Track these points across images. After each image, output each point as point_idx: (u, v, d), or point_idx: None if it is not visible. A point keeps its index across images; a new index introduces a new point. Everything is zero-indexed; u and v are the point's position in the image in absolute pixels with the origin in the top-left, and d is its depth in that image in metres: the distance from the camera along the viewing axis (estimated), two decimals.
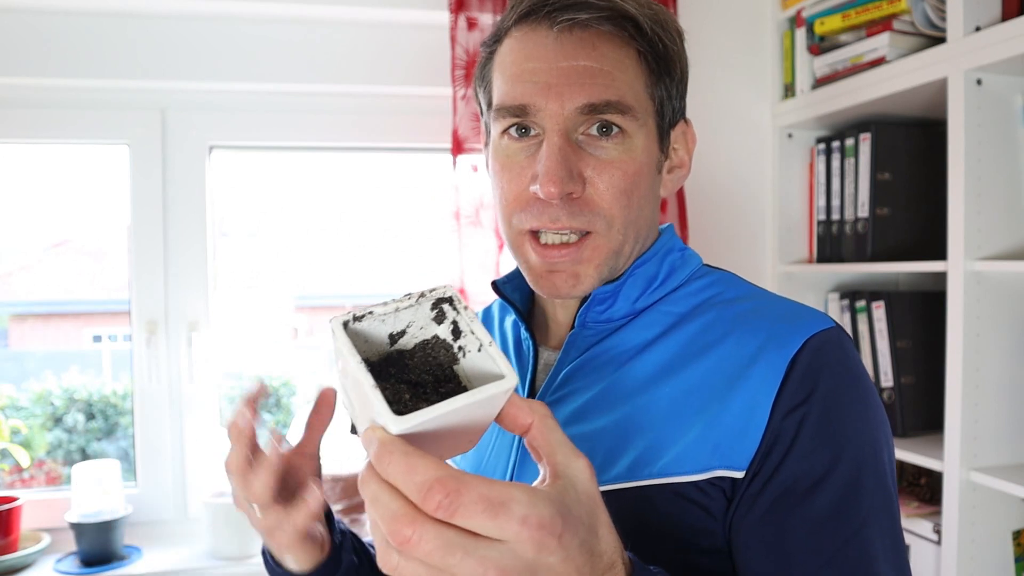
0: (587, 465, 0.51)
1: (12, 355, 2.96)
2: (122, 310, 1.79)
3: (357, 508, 1.70)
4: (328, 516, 0.79)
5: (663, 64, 0.75)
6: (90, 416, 2.25)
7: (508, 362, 0.51)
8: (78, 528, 1.59)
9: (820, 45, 1.73)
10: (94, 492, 1.63)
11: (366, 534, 1.69)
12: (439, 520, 0.44)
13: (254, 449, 0.68)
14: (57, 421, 2.24)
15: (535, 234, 0.76)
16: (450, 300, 0.54)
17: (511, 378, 0.50)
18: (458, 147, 1.68)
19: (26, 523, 1.65)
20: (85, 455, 2.23)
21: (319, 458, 0.75)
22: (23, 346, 3.03)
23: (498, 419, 0.52)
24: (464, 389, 0.52)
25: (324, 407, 0.72)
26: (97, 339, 3.02)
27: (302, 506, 0.68)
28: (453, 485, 0.44)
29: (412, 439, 0.47)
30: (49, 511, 1.69)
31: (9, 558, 1.54)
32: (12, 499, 1.61)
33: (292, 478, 0.71)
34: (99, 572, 1.56)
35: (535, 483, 0.50)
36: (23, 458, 1.69)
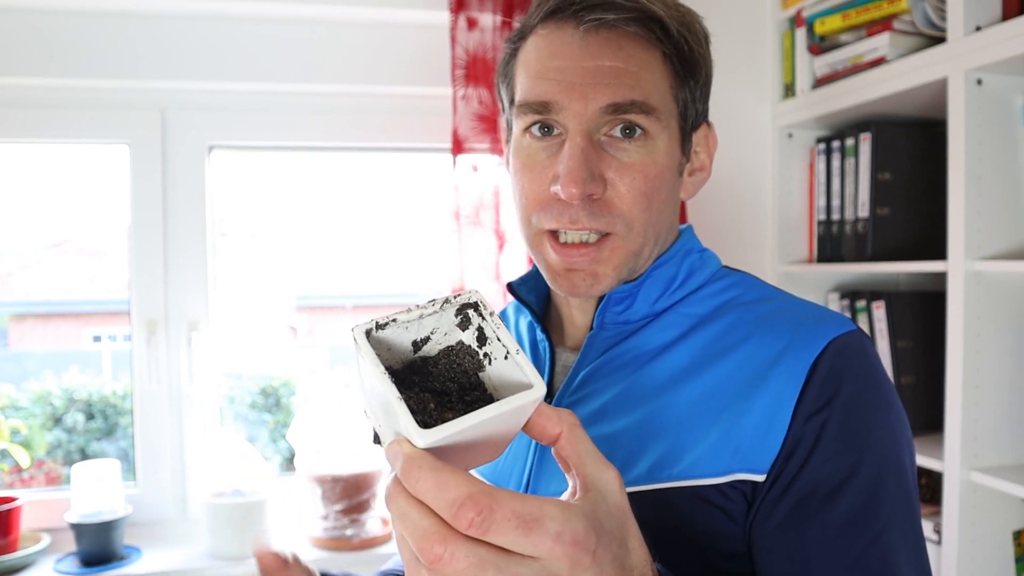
0: (616, 476, 0.50)
1: (12, 355, 2.96)
2: (122, 310, 1.79)
3: (357, 508, 1.69)
4: None
5: (688, 66, 0.75)
6: (90, 416, 2.25)
7: (535, 370, 0.50)
8: (78, 528, 1.59)
9: (820, 45, 1.73)
10: (94, 492, 1.63)
11: (367, 534, 1.69)
12: (471, 537, 0.43)
13: None
14: (57, 421, 2.24)
15: (554, 233, 0.75)
16: (475, 306, 0.53)
17: (539, 387, 0.48)
18: (458, 147, 1.68)
19: (26, 523, 1.65)
20: (85, 455, 2.22)
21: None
22: (23, 346, 3.03)
23: (525, 428, 0.51)
24: (490, 397, 0.51)
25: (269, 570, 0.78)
26: (97, 339, 3.02)
27: None
28: (486, 501, 0.43)
29: (437, 451, 0.46)
30: (49, 511, 1.69)
31: (9, 558, 1.54)
32: (12, 499, 1.61)
33: None
34: (99, 572, 1.56)
35: (564, 495, 0.50)
36: (23, 458, 1.69)
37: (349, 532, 1.69)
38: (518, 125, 0.77)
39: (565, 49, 0.73)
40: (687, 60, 0.75)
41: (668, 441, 0.70)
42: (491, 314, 0.53)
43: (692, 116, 0.78)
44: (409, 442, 0.45)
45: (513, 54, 0.79)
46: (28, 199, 2.12)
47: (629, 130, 0.73)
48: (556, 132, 0.74)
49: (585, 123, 0.72)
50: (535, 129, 0.75)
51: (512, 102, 0.78)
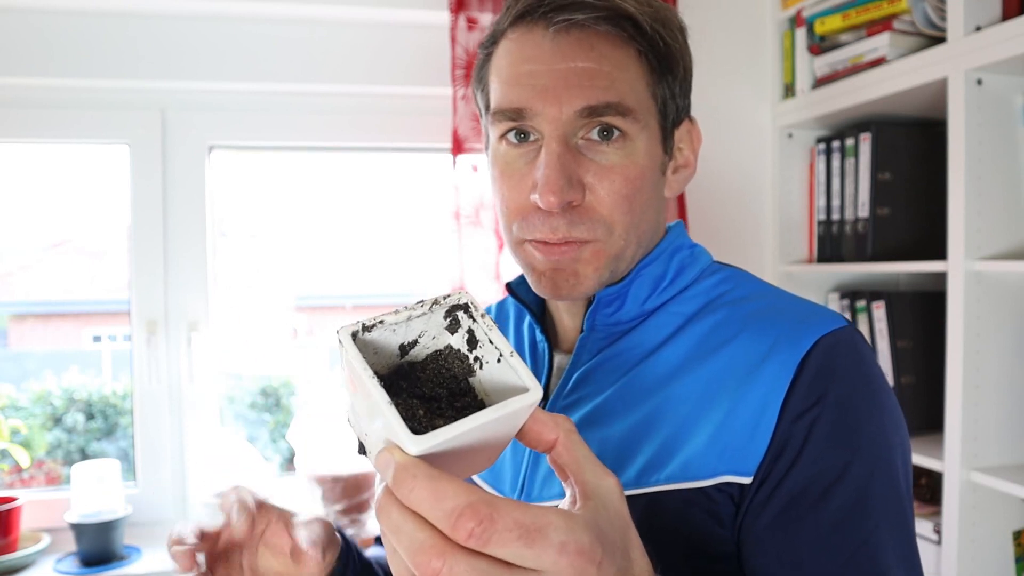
0: (616, 484, 0.48)
1: (12, 355, 2.96)
2: (122, 310, 1.79)
3: (358, 508, 1.70)
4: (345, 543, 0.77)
5: (665, 63, 0.73)
6: (90, 416, 2.25)
7: (531, 374, 0.47)
8: (78, 528, 1.59)
9: (820, 45, 1.73)
10: (94, 492, 1.63)
11: (367, 534, 1.69)
12: (470, 550, 0.41)
13: None
14: (57, 421, 2.24)
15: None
16: (465, 307, 0.50)
17: (535, 391, 0.46)
18: (458, 147, 1.68)
19: (26, 523, 1.65)
20: (85, 455, 2.22)
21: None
22: (23, 346, 3.03)
23: (519, 435, 0.49)
24: (480, 403, 0.49)
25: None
26: (97, 339, 3.02)
27: None
28: (486, 511, 0.40)
29: (430, 460, 0.43)
30: (49, 511, 1.69)
31: (9, 558, 1.54)
32: (12, 499, 1.61)
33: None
34: (99, 572, 1.56)
35: (562, 504, 0.48)
36: (23, 458, 1.69)
37: (349, 532, 1.69)
38: (494, 132, 0.75)
39: (536, 52, 0.71)
40: (663, 56, 0.73)
41: (656, 444, 0.68)
42: (482, 316, 0.50)
43: (672, 113, 0.76)
44: (400, 449, 0.43)
45: (486, 59, 0.77)
46: (28, 199, 2.12)
47: (606, 132, 0.71)
48: (532, 138, 0.72)
49: (561, 128, 0.70)
50: (511, 136, 0.73)
51: (488, 109, 0.76)
